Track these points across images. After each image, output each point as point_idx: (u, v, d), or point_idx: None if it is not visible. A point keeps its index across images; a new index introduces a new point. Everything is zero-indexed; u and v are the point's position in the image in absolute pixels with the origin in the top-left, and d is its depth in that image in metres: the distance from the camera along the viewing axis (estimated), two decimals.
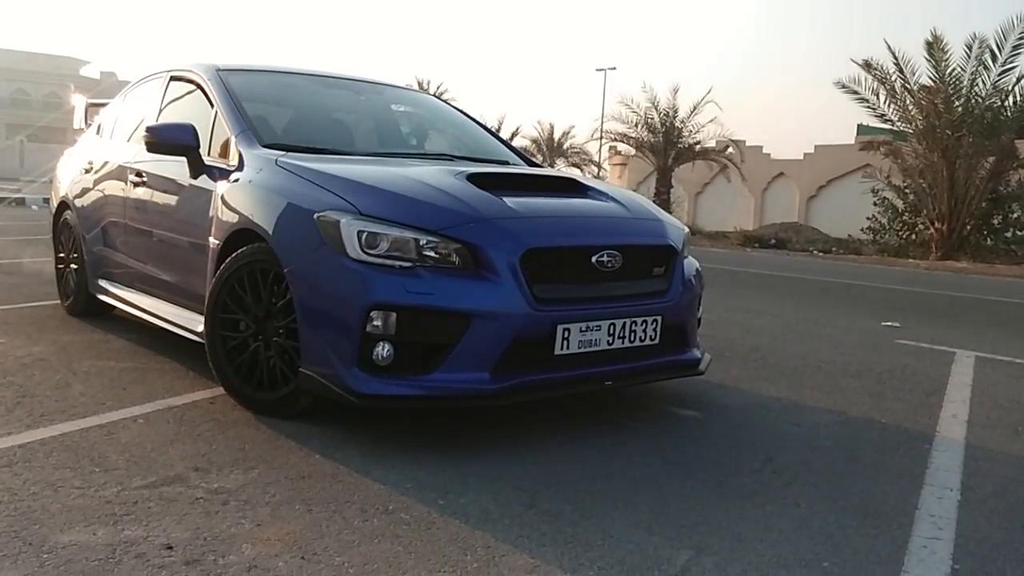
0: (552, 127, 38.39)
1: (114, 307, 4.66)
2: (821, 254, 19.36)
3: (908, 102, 18.86)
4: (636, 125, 25.71)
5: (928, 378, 4.61)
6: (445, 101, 5.57)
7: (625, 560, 2.13)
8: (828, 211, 28.77)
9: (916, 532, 2.43)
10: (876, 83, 18.88)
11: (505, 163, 4.38)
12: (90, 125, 5.57)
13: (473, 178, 3.26)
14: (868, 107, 19.37)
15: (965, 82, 18.10)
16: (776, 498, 2.63)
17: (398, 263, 2.83)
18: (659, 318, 3.23)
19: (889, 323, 6.74)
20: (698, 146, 25.87)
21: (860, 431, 3.48)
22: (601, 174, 36.82)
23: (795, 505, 2.59)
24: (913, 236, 20.62)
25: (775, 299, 8.30)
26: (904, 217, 21.00)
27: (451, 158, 4.16)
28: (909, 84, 18.71)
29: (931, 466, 3.04)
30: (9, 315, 5.01)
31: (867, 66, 18.75)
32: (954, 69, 18.09)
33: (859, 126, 28.16)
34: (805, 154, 31.37)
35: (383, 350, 2.80)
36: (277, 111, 4.24)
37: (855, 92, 19.15)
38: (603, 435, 3.19)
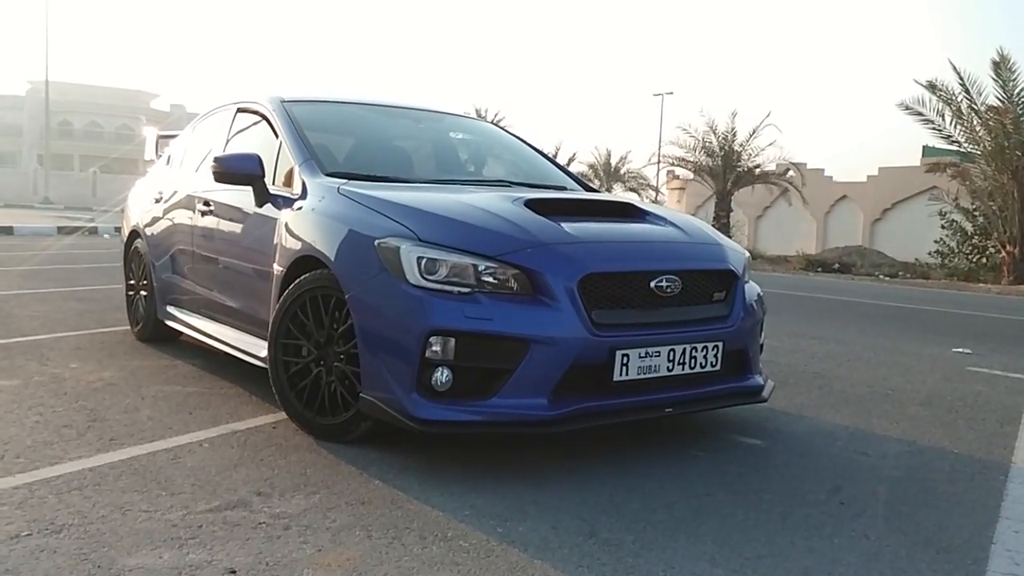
0: (609, 152, 38.59)
1: (181, 333, 4.78)
2: (887, 278, 18.87)
3: (975, 123, 18.40)
4: (694, 149, 25.56)
5: (1002, 407, 4.44)
6: (503, 128, 5.61)
7: None
8: (894, 234, 28.14)
9: (992, 567, 2.33)
10: (941, 104, 18.48)
11: (562, 188, 4.39)
12: (160, 156, 5.76)
13: (531, 204, 3.27)
14: (933, 128, 18.96)
15: None
16: (844, 530, 2.55)
17: (457, 289, 2.85)
18: (720, 344, 3.18)
19: (960, 350, 6.53)
20: (758, 169, 25.56)
21: (931, 461, 3.36)
22: (659, 198, 36.65)
23: (864, 538, 2.50)
24: (984, 259, 20.07)
25: (840, 325, 8.11)
26: (974, 240, 20.47)
27: (509, 184, 4.18)
28: (976, 104, 18.27)
29: (1007, 498, 2.92)
30: (82, 340, 5.17)
31: (932, 87, 18.38)
32: (1022, 89, 17.60)
33: (924, 147, 27.53)
34: (869, 176, 30.79)
35: (442, 375, 2.81)
36: (339, 140, 4.32)
37: (920, 113, 18.77)
38: (664, 463, 3.14)
